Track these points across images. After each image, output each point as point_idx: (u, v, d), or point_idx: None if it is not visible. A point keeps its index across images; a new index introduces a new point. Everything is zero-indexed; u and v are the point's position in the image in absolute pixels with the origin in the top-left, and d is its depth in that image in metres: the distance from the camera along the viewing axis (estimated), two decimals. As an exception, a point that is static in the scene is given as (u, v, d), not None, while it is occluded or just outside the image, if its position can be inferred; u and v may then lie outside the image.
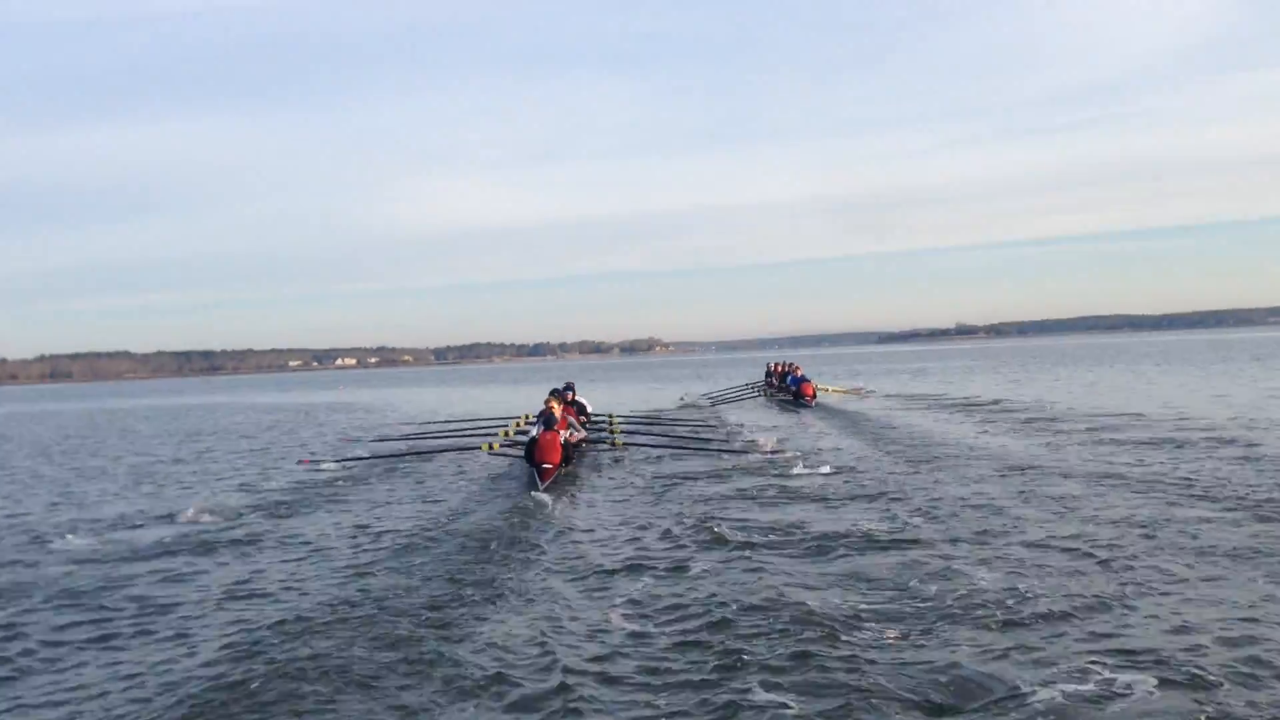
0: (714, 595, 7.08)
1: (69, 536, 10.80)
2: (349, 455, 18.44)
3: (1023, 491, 11.20)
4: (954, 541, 8.63)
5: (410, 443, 20.63)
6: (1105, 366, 49.74)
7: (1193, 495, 10.44)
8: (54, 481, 17.64)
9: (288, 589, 7.99)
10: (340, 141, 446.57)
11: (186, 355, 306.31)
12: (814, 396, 29.27)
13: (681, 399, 34.89)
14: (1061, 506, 10.15)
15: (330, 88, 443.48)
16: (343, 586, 7.87)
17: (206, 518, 11.82)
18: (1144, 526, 8.91)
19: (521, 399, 38.59)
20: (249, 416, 40.11)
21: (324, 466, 16.98)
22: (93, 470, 19.49)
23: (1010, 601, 6.59)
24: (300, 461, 18.35)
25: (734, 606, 6.73)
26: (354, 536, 10.27)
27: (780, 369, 33.88)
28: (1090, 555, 7.85)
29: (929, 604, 6.67)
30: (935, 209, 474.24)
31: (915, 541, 8.64)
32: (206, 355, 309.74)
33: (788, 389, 30.94)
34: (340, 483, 15.00)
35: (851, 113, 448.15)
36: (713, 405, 31.58)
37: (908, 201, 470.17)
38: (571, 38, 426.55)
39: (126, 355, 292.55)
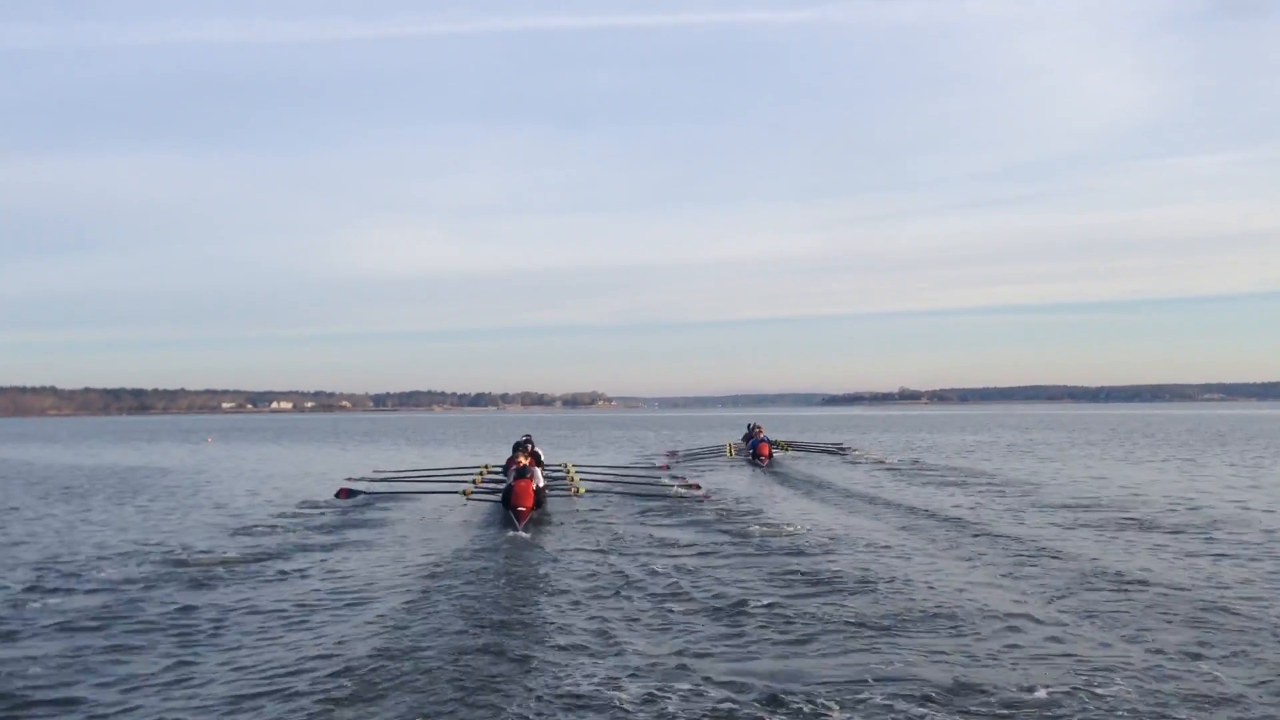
0: (681, 594, 9.45)
1: None
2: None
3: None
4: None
5: (396, 485, 22.00)
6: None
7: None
8: None
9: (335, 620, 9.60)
10: (287, 185, 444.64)
11: (115, 393, 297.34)
12: (769, 457, 31.03)
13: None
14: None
15: (282, 130, 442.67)
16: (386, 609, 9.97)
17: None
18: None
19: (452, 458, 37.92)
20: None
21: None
22: None
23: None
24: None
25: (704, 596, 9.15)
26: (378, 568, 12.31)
27: (755, 430, 35.24)
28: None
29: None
30: (880, 274, 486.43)
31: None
32: (136, 394, 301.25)
33: (748, 449, 32.78)
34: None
35: (803, 179, 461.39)
36: (677, 460, 33.89)
37: (856, 267, 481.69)
38: (527, 93, 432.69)
39: (52, 391, 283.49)
